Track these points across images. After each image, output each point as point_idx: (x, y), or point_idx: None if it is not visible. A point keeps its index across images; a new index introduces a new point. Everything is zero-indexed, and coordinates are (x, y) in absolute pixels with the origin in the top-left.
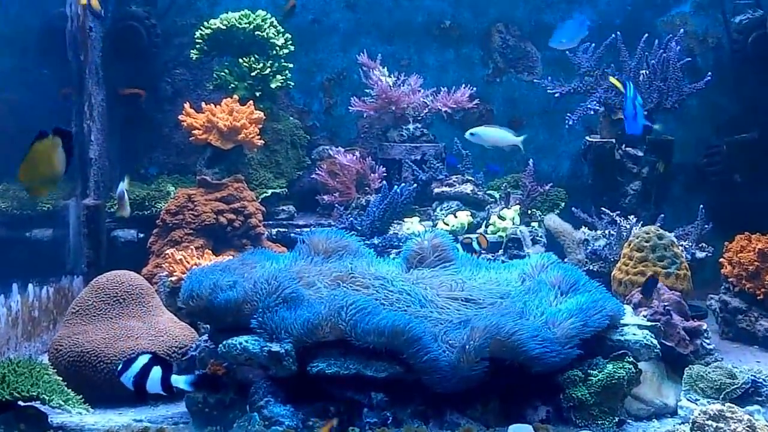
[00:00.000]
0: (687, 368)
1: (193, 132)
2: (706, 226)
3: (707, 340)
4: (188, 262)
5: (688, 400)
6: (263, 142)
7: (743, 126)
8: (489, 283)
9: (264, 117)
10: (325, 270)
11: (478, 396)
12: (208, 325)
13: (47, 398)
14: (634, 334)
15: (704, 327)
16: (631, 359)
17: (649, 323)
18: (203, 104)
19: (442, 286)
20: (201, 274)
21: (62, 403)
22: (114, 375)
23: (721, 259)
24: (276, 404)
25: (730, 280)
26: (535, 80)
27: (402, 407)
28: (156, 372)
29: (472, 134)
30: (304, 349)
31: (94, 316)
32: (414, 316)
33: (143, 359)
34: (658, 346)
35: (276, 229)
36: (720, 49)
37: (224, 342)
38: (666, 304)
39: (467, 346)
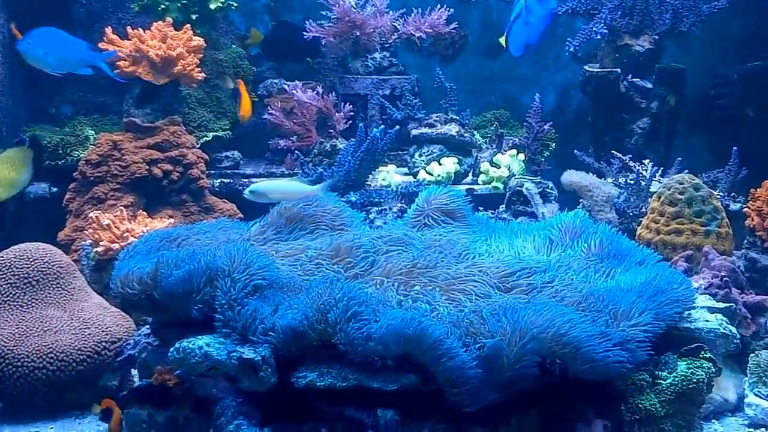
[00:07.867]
0: (752, 355)
1: (117, 63)
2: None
3: None
4: (119, 228)
5: (756, 395)
6: (204, 75)
7: (757, 52)
8: (514, 254)
9: (204, 45)
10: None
11: (511, 407)
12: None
13: None
14: (707, 321)
15: None
16: (708, 354)
17: (721, 304)
18: (129, 29)
19: (459, 257)
20: (136, 252)
21: None
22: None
23: (746, 209)
24: (250, 428)
25: (759, 233)
26: None
27: (416, 427)
28: None
29: (252, 192)
30: (286, 352)
31: (0, 304)
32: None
33: None
34: (738, 336)
35: (219, 180)
36: None
37: (178, 345)
38: (723, 273)
39: (506, 352)
